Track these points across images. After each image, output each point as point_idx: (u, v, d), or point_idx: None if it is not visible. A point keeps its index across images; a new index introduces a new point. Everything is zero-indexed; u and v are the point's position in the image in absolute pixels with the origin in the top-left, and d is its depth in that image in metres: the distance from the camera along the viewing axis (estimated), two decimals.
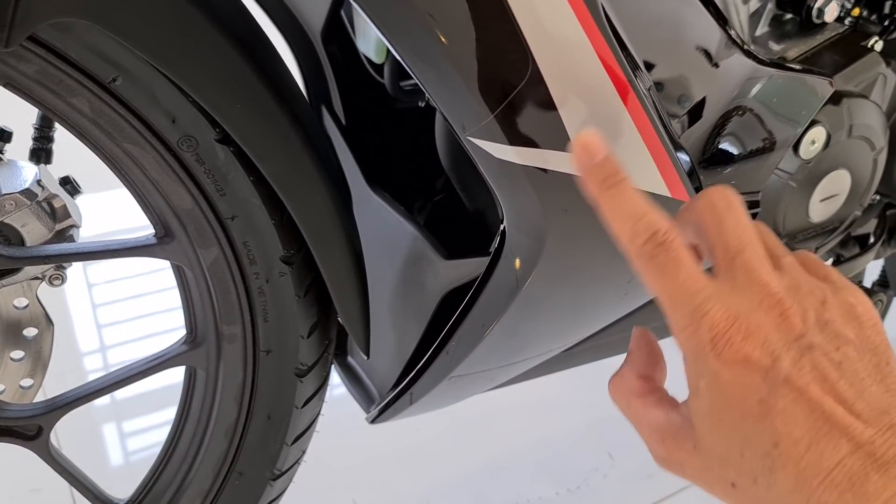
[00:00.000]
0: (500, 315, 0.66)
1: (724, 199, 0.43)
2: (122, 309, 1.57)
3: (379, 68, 0.90)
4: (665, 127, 0.57)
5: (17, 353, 0.74)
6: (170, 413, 1.27)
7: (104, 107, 0.57)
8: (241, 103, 0.57)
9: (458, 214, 0.91)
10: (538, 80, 0.47)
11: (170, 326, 1.50)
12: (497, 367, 0.82)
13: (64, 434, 1.20)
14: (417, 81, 0.48)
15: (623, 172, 0.43)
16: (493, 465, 1.22)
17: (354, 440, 1.22)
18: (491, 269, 0.63)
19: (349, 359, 0.93)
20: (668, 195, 0.60)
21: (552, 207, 0.55)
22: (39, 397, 0.74)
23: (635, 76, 0.51)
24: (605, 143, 0.44)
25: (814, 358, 0.40)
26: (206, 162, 0.61)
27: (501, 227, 0.58)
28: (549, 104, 0.48)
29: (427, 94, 0.49)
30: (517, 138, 0.50)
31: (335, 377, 0.92)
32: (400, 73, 0.87)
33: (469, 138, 0.49)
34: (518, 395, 1.14)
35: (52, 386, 0.76)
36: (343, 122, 0.92)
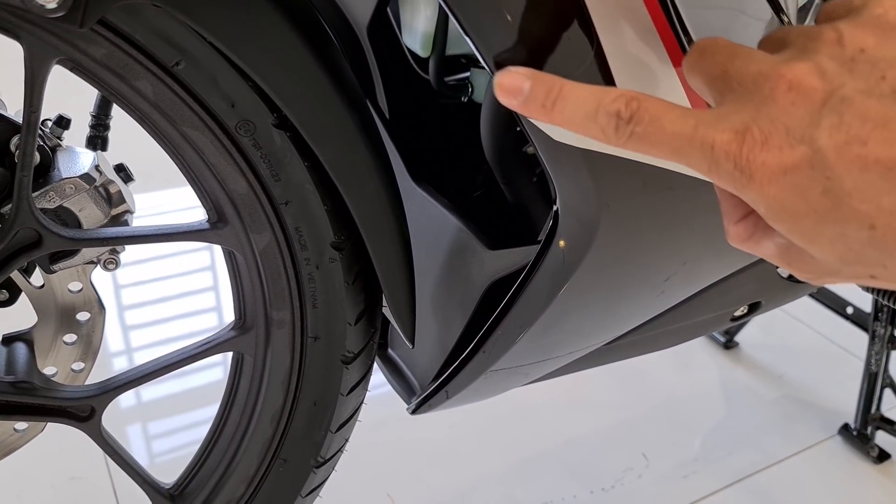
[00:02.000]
0: (546, 306, 0.66)
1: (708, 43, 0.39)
2: (163, 307, 1.60)
3: (423, 64, 0.91)
4: None
5: (70, 337, 0.76)
6: (205, 410, 1.30)
7: (166, 90, 0.58)
8: (301, 87, 0.58)
9: (499, 209, 0.92)
10: (601, 60, 0.47)
11: (198, 328, 1.52)
12: (536, 362, 0.82)
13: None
14: (481, 59, 0.49)
15: (557, 80, 0.39)
16: (526, 463, 1.22)
17: (388, 435, 1.23)
18: (540, 256, 0.63)
19: (390, 351, 0.94)
20: None
21: (607, 193, 0.56)
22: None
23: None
24: (523, 70, 0.40)
25: (856, 109, 0.34)
26: (263, 147, 0.62)
27: (554, 209, 0.58)
28: (610, 86, 0.49)
29: (489, 69, 0.49)
30: None
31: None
32: (444, 67, 0.88)
33: (529, 120, 0.50)
34: (552, 393, 1.14)
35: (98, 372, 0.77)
36: (387, 116, 0.93)
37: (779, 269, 0.82)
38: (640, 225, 0.62)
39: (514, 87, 0.41)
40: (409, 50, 0.91)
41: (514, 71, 0.40)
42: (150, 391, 1.34)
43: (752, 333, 1.52)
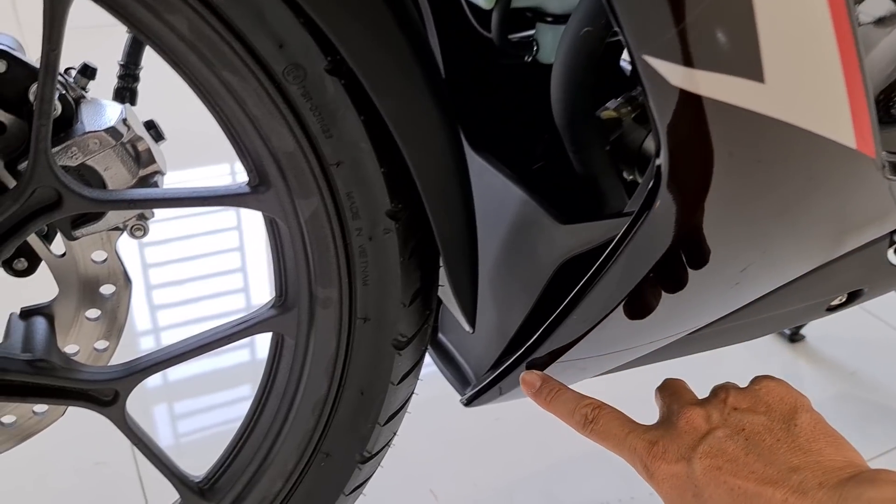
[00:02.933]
0: (632, 286, 0.57)
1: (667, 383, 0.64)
2: (182, 288, 1.53)
3: (483, 19, 0.82)
4: (865, 71, 0.47)
5: (93, 312, 0.68)
6: (244, 390, 1.23)
7: (204, 27, 0.50)
8: (362, 25, 0.50)
9: (565, 179, 0.83)
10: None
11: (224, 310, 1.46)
12: (609, 353, 0.73)
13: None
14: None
15: (556, 384, 0.63)
16: (575, 463, 1.13)
17: (431, 426, 1.15)
18: (635, 223, 0.54)
19: (440, 336, 0.86)
20: (854, 147, 0.50)
21: (722, 150, 0.47)
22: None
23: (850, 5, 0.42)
24: (540, 376, 0.64)
25: (721, 446, 0.52)
26: (314, 97, 0.53)
27: (656, 164, 0.49)
28: (748, 21, 0.40)
29: (605, 2, 0.40)
30: (699, 59, 0.41)
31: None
32: (509, 23, 0.79)
33: (644, 57, 0.41)
34: (608, 385, 1.05)
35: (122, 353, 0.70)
36: (443, 76, 0.84)
37: (889, 252, 0.72)
38: (758, 188, 0.52)
39: (531, 382, 0.64)
40: (469, 4, 0.82)
41: (533, 372, 0.65)
42: (176, 371, 1.27)
43: (819, 327, 1.42)
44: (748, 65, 0.42)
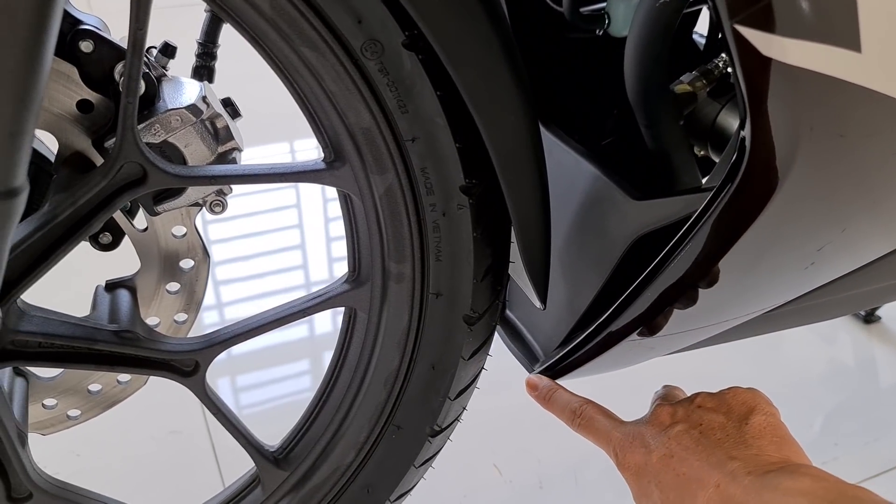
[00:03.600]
0: (717, 259, 0.56)
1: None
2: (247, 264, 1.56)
3: None
4: None
5: (174, 286, 0.70)
6: (304, 364, 1.25)
7: (285, 3, 0.50)
8: None
9: (635, 155, 0.82)
10: None
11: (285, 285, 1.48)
12: (681, 332, 0.72)
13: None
14: None
15: (554, 386, 0.71)
16: None
17: (498, 401, 1.15)
18: (715, 198, 0.53)
19: (508, 313, 0.86)
20: None
21: (812, 123, 0.45)
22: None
23: None
24: (541, 378, 0.71)
25: (679, 438, 0.58)
26: (391, 72, 0.54)
27: (741, 136, 0.47)
28: None
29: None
30: (793, 28, 0.40)
31: None
32: None
33: (736, 26, 0.40)
34: (672, 364, 1.04)
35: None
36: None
37: None
38: (844, 163, 0.51)
39: (533, 383, 0.72)
40: None
41: (537, 375, 0.73)
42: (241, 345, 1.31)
43: (895, 307, 1.37)
44: (845, 33, 0.40)
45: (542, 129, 0.80)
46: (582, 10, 0.81)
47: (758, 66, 0.42)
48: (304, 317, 0.68)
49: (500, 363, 0.85)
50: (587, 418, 0.66)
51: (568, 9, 0.78)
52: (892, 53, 0.43)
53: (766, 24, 0.39)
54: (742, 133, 0.47)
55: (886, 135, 0.49)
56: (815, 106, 0.44)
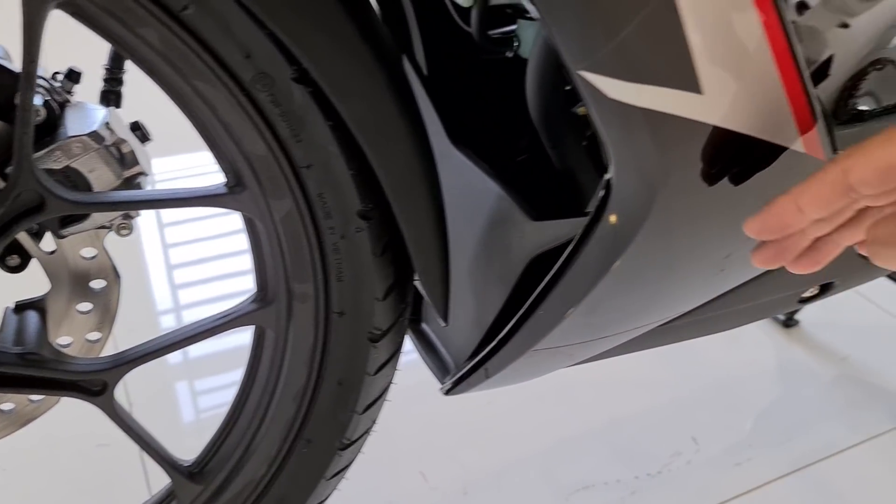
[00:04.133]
0: (593, 284, 0.59)
1: None
2: (199, 267, 1.57)
3: (465, 15, 0.84)
4: (807, 73, 0.49)
5: (85, 306, 0.71)
6: (230, 375, 1.26)
7: (174, 39, 0.52)
8: (322, 36, 0.52)
9: (545, 175, 0.85)
10: (669, 2, 0.40)
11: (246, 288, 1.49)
12: (582, 343, 0.75)
13: (136, 390, 1.20)
14: (528, 3, 0.42)
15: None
16: (567, 444, 1.16)
17: (423, 411, 1.18)
18: (589, 230, 0.56)
19: (423, 325, 0.88)
20: (802, 150, 0.52)
21: (668, 159, 0.48)
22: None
23: (783, 7, 0.43)
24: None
25: None
26: (282, 103, 0.56)
27: (607, 178, 0.51)
28: (678, 34, 0.41)
29: (538, 18, 0.42)
30: (635, 74, 0.43)
31: (405, 343, 0.87)
32: (488, 19, 0.80)
33: (580, 73, 0.43)
34: (595, 371, 1.07)
35: (125, 341, 0.73)
36: (425, 72, 0.86)
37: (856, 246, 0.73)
38: (701, 196, 0.54)
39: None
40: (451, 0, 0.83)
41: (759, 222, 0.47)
42: (182, 353, 1.32)
43: (814, 311, 1.43)
44: (684, 77, 0.44)
45: (453, 147, 0.83)
46: (492, 32, 0.83)
47: (608, 108, 0.45)
48: (213, 335, 0.69)
49: (426, 371, 0.87)
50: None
51: (476, 31, 0.81)
52: (732, 93, 0.46)
53: (609, 70, 0.42)
54: (608, 175, 0.50)
55: (749, 166, 0.53)
56: (667, 143, 0.47)
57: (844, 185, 0.42)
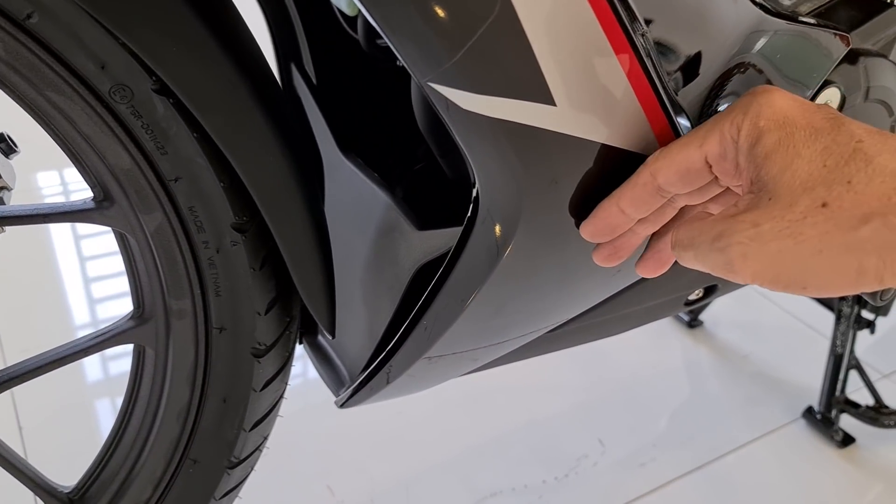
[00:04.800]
0: (476, 290, 0.59)
1: None
2: (98, 286, 1.51)
3: (353, 23, 0.83)
4: (662, 82, 0.50)
5: None
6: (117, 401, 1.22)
7: (20, 48, 0.50)
8: (178, 47, 0.50)
9: (437, 183, 0.85)
10: (510, 14, 0.40)
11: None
12: (477, 348, 0.75)
13: (26, 412, 1.15)
14: (366, 14, 0.41)
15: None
16: (476, 451, 1.16)
17: (329, 423, 1.17)
18: (464, 239, 0.57)
19: (319, 338, 0.87)
20: None
21: (528, 168, 0.49)
22: None
23: (628, 17, 0.44)
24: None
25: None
26: (144, 115, 0.54)
27: (474, 191, 0.51)
28: (523, 45, 0.41)
29: (380, 31, 0.42)
30: (485, 86, 0.43)
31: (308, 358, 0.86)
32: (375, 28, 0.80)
33: (430, 85, 0.42)
34: (504, 377, 1.08)
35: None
36: (314, 81, 0.85)
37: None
38: (575, 197, 0.55)
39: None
40: (338, 8, 0.83)
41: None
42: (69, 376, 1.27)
43: (718, 311, 1.47)
44: (536, 89, 0.44)
45: (342, 157, 0.82)
46: (379, 41, 0.83)
47: (463, 120, 0.45)
48: (89, 355, 0.67)
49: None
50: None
51: (363, 41, 0.80)
52: (586, 103, 0.46)
53: (458, 83, 0.42)
54: (475, 189, 0.50)
55: (612, 174, 0.53)
56: (528, 154, 0.48)
57: (654, 187, 0.45)
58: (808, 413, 1.24)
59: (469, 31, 0.40)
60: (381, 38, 0.83)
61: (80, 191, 1.82)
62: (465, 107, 0.44)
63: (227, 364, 0.67)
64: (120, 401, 1.23)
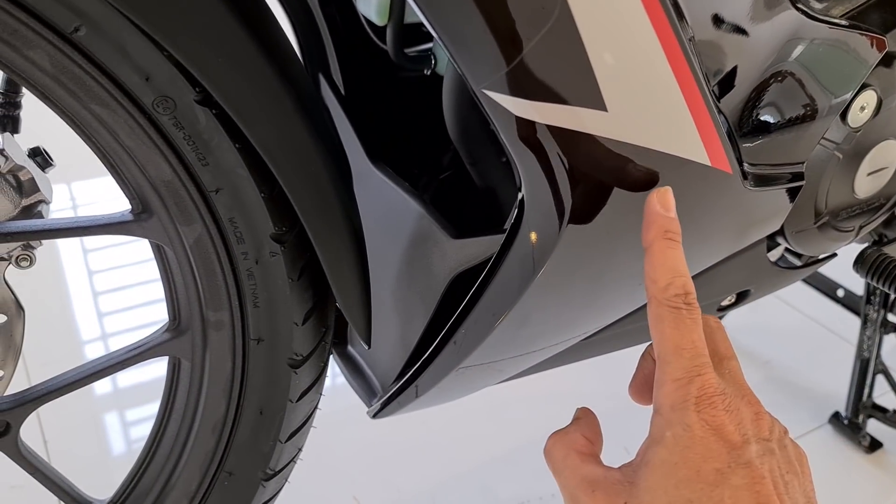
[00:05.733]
0: (515, 300, 0.59)
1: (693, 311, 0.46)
2: (120, 297, 1.51)
3: (381, 32, 0.83)
4: (709, 89, 0.50)
5: None
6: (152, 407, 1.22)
7: (66, 61, 0.50)
8: (223, 57, 0.50)
9: (466, 192, 0.84)
10: (568, 21, 0.40)
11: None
12: (508, 358, 0.75)
13: (50, 424, 1.14)
14: (425, 22, 0.41)
15: (680, 236, 0.47)
16: (501, 460, 1.16)
17: (355, 433, 1.16)
18: (506, 247, 0.56)
19: (349, 348, 0.87)
20: (708, 163, 0.53)
21: (577, 176, 0.48)
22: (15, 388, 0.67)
23: (679, 24, 0.44)
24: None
25: (772, 463, 0.43)
26: (186, 127, 0.54)
27: (519, 197, 0.51)
28: (579, 53, 0.41)
29: (437, 38, 0.42)
30: (540, 92, 0.43)
31: (333, 366, 0.85)
32: (404, 37, 0.80)
33: (484, 91, 0.42)
34: (528, 386, 1.08)
35: (40, 377, 0.70)
36: (342, 91, 0.85)
37: (769, 254, 0.75)
38: (616, 207, 0.54)
39: (670, 205, 0.47)
40: (366, 18, 0.83)
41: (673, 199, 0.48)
42: (107, 385, 1.27)
43: (737, 317, 1.46)
44: (589, 95, 0.44)
45: (372, 167, 0.82)
46: (409, 50, 0.83)
47: (515, 126, 0.45)
48: (124, 368, 0.66)
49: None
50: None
51: (392, 50, 0.80)
52: (637, 110, 0.46)
53: (512, 89, 0.42)
54: (521, 193, 0.50)
55: (660, 181, 0.53)
56: (576, 160, 0.48)
57: None
58: (835, 418, 1.23)
59: (527, 37, 0.40)
60: (409, 46, 0.83)
61: (86, 204, 1.83)
62: (517, 113, 0.43)
63: (263, 375, 0.67)
64: (146, 411, 1.24)
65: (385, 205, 0.78)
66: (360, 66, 0.85)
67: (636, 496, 0.43)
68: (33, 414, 0.65)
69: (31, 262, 0.64)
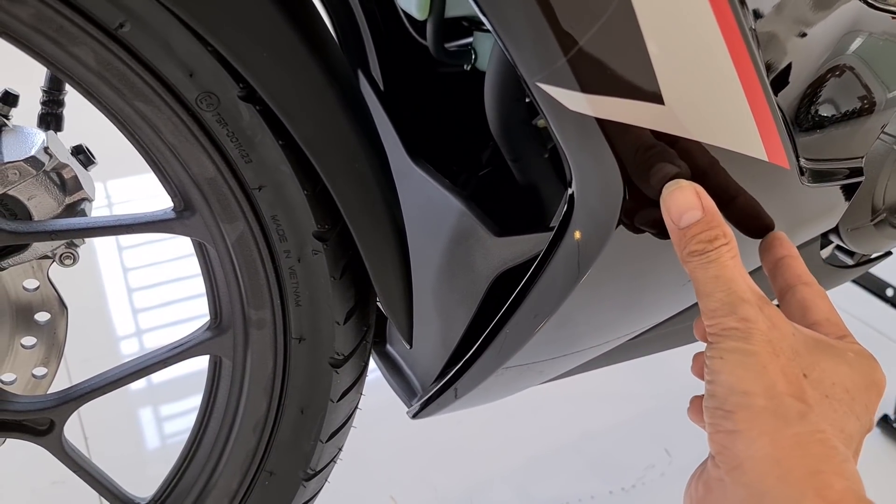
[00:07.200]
0: (561, 300, 0.58)
1: None
2: (156, 293, 1.53)
3: (420, 28, 0.82)
4: (768, 83, 0.48)
5: (29, 340, 0.68)
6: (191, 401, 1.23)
7: (111, 58, 0.49)
8: (268, 52, 0.49)
9: (507, 189, 0.83)
10: (627, 12, 0.38)
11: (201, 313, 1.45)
12: (551, 359, 0.74)
13: (90, 420, 1.15)
14: (480, 15, 0.40)
15: (725, 236, 0.46)
16: (540, 461, 1.14)
17: (392, 432, 1.15)
18: (553, 245, 0.55)
19: (388, 347, 0.86)
20: (766, 159, 0.51)
21: (630, 169, 0.47)
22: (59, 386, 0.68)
23: (743, 13, 0.42)
24: (697, 195, 0.45)
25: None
26: (229, 123, 0.53)
27: (568, 193, 0.49)
28: (637, 43, 0.40)
29: (492, 30, 0.40)
30: (594, 85, 0.41)
31: (370, 364, 0.84)
32: (444, 32, 0.79)
33: (538, 84, 0.41)
34: (567, 386, 1.06)
35: (80, 374, 0.70)
36: (381, 87, 0.84)
37: (821, 252, 0.73)
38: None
39: (687, 206, 0.46)
40: (405, 12, 0.82)
41: (690, 194, 0.46)
42: (145, 382, 1.27)
43: None
44: (646, 89, 0.42)
45: (412, 163, 0.81)
46: (449, 45, 0.82)
47: (568, 120, 0.43)
48: (166, 367, 0.66)
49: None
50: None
51: (432, 45, 0.79)
52: (695, 104, 0.45)
53: (568, 82, 0.41)
54: (570, 189, 0.49)
55: (715, 176, 0.51)
56: (630, 155, 0.46)
57: None
58: (884, 421, 1.20)
59: (584, 27, 0.38)
60: (448, 41, 0.82)
61: (121, 202, 1.84)
62: (571, 107, 0.42)
63: (305, 374, 0.66)
64: (183, 405, 1.25)
65: (426, 202, 0.77)
66: (399, 61, 0.84)
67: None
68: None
69: (75, 260, 0.64)
